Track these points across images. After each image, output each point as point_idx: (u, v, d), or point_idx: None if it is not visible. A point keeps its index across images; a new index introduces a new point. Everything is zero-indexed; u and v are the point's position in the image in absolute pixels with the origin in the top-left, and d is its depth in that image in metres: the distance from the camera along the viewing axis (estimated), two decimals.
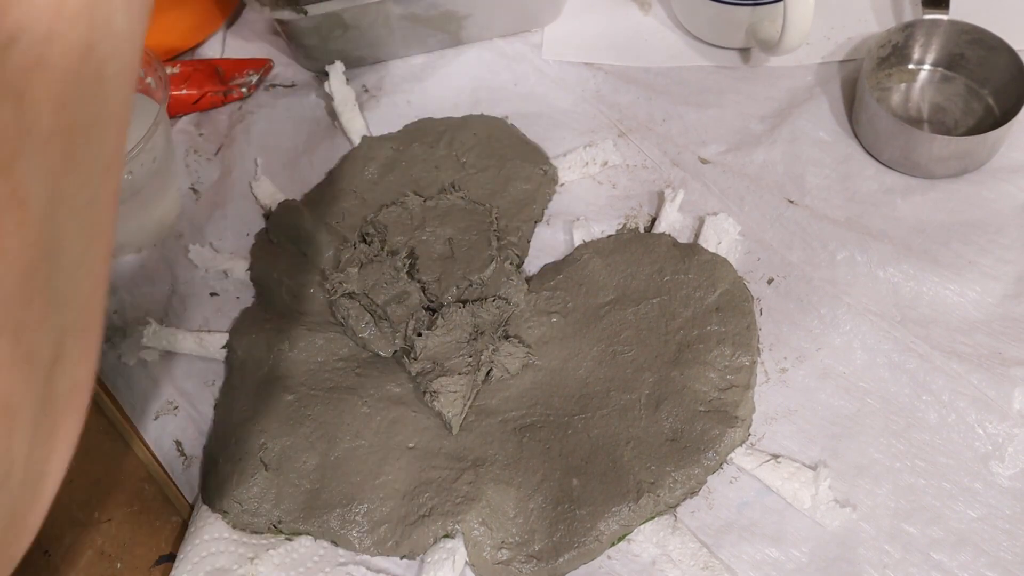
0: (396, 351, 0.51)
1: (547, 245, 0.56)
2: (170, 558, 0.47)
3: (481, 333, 0.50)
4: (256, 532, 0.46)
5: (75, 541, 0.48)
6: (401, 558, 0.46)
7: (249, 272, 0.55)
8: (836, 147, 0.58)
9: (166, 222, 0.58)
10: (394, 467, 0.47)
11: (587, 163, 0.58)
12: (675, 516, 0.45)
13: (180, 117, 0.64)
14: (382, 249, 0.54)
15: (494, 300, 0.51)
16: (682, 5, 0.64)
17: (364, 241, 0.55)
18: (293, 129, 0.62)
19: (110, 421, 0.52)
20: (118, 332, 0.53)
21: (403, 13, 0.61)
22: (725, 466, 0.47)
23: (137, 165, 0.52)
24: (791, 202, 0.55)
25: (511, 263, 0.53)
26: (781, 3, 0.56)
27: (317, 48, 0.62)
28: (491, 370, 0.49)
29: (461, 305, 0.50)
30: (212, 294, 0.55)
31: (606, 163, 0.58)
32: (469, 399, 0.48)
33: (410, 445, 0.48)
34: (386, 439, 0.48)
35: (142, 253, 0.57)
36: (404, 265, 0.53)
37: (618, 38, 0.65)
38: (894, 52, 0.59)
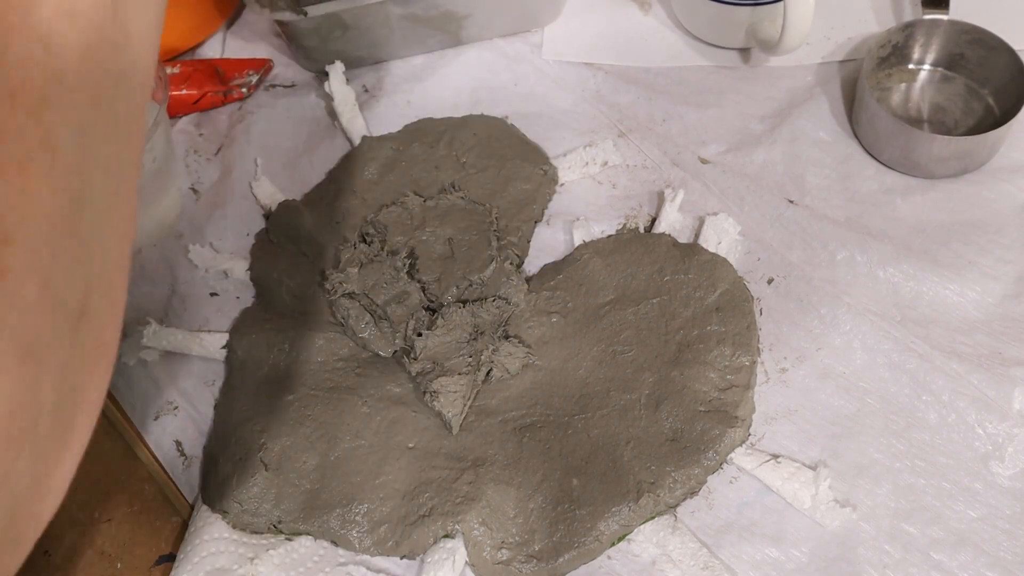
0: (396, 351, 0.51)
1: (547, 245, 0.56)
2: (170, 558, 0.47)
3: (481, 333, 0.50)
4: (256, 532, 0.46)
5: (75, 541, 0.48)
6: (401, 558, 0.46)
7: (249, 272, 0.55)
8: (836, 147, 0.58)
9: (166, 222, 0.58)
10: (394, 467, 0.47)
11: (587, 163, 0.58)
12: (675, 516, 0.45)
13: (180, 117, 0.64)
14: (382, 249, 0.54)
15: (494, 300, 0.51)
16: (682, 5, 0.64)
17: (364, 241, 0.55)
18: (293, 129, 0.62)
19: (110, 421, 0.52)
20: None
21: (403, 13, 0.61)
22: (725, 466, 0.47)
23: None
24: (791, 202, 0.55)
25: (511, 263, 0.53)
26: (781, 3, 0.56)
27: (317, 49, 0.62)
28: (491, 370, 0.49)
29: (461, 305, 0.50)
30: (212, 294, 0.55)
31: (606, 163, 0.58)
32: (469, 399, 0.48)
33: (410, 445, 0.48)
34: (386, 439, 0.48)
35: (142, 253, 0.57)
36: (404, 265, 0.53)
37: (618, 38, 0.65)
38: (894, 52, 0.59)
